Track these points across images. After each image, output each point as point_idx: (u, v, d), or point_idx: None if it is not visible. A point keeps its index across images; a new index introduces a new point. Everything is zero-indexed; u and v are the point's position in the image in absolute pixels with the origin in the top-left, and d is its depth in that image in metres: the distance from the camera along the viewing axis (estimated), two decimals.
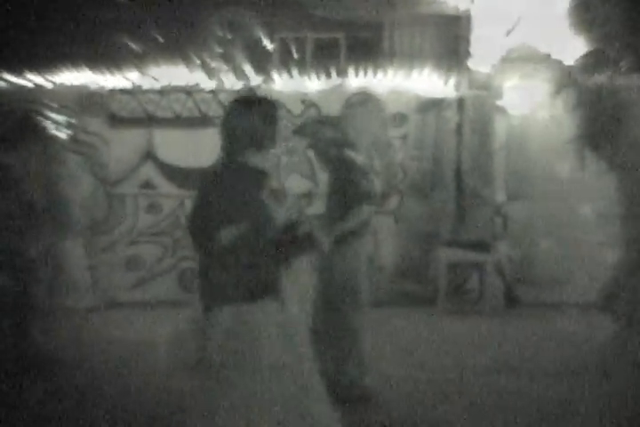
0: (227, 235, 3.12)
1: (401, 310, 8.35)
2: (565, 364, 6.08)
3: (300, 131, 5.75)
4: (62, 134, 8.00)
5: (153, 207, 9.01)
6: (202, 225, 3.26)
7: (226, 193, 3.18)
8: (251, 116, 3.25)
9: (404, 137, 9.03)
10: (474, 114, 8.88)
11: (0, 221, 5.84)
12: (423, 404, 5.03)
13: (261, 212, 3.15)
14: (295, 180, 8.78)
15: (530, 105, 8.92)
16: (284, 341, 3.23)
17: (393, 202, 9.00)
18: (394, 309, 8.34)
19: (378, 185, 8.49)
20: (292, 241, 3.30)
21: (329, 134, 5.19)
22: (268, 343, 3.17)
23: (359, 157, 5.16)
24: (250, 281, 3.18)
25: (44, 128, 7.59)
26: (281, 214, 3.21)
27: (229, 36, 9.26)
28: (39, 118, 7.68)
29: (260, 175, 3.22)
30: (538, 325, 7.76)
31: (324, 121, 5.88)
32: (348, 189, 4.87)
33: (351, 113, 8.61)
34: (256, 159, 3.22)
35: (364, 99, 8.82)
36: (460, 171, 8.95)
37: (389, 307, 8.35)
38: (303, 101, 8.70)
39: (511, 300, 8.71)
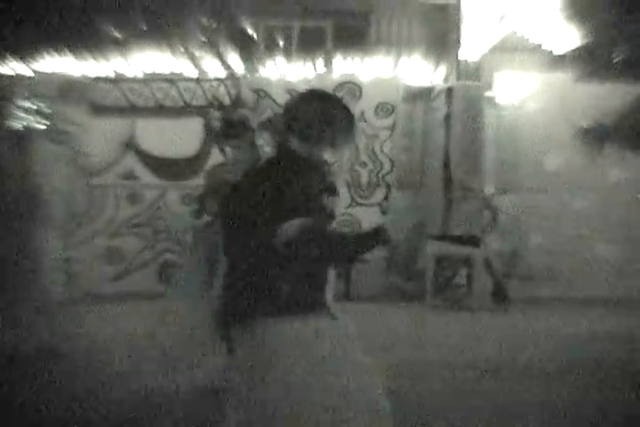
0: (288, 229, 2.78)
1: (388, 305, 8.22)
2: (552, 361, 5.90)
3: (265, 125, 5.42)
4: (38, 124, 8.00)
5: (134, 198, 8.93)
6: (252, 226, 2.92)
7: (287, 189, 2.89)
8: (333, 111, 3.02)
9: (392, 127, 8.90)
10: (463, 104, 8.69)
11: None
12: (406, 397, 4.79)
13: (325, 208, 3.00)
14: None
15: (520, 96, 8.80)
16: (341, 358, 2.90)
17: (379, 194, 8.87)
18: (380, 303, 8.24)
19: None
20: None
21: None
22: (322, 362, 2.86)
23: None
24: (303, 288, 2.89)
25: (10, 117, 7.73)
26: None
27: (214, 25, 9.14)
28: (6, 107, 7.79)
29: (326, 169, 3.16)
30: (526, 321, 7.64)
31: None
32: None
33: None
34: (328, 154, 3.03)
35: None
36: (448, 162, 8.78)
37: (376, 302, 8.29)
38: (288, 91, 8.49)
39: (500, 295, 8.53)
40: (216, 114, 7.37)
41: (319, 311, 2.83)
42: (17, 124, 7.76)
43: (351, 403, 2.77)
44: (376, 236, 2.89)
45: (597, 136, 6.85)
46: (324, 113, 2.96)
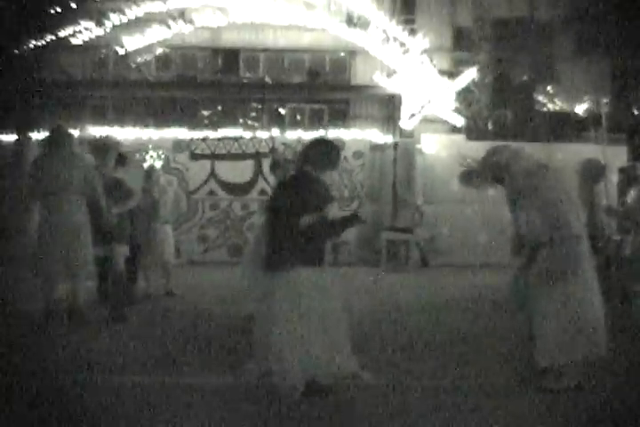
0: (305, 220, 3.41)
1: (360, 269, 10.73)
2: (459, 299, 7.98)
3: (289, 160, 6.78)
4: (158, 163, 11.25)
5: (214, 206, 11.99)
6: (286, 214, 3.54)
7: (305, 193, 3.53)
8: (331, 150, 3.79)
9: (362, 166, 12.11)
10: (403, 152, 12.15)
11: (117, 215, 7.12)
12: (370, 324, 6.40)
13: (327, 206, 3.59)
14: None
15: (435, 148, 12.17)
16: (328, 295, 3.59)
17: (355, 204, 11.97)
18: (355, 268, 10.57)
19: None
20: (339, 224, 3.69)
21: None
22: (319, 296, 3.52)
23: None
24: (313, 252, 3.54)
25: (142, 161, 10.79)
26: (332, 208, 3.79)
27: (259, 106, 13.09)
28: (137, 154, 10.84)
29: (325, 184, 3.81)
30: (439, 277, 10.30)
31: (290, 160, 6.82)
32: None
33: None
34: (325, 175, 3.77)
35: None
36: (394, 185, 12.15)
37: (353, 267, 10.51)
38: (303, 144, 10.62)
39: (424, 262, 11.70)
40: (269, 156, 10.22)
41: (322, 265, 3.62)
42: (146, 165, 10.28)
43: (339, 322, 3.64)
44: (354, 218, 3.76)
45: (473, 175, 7.62)
46: (326, 150, 3.71)
